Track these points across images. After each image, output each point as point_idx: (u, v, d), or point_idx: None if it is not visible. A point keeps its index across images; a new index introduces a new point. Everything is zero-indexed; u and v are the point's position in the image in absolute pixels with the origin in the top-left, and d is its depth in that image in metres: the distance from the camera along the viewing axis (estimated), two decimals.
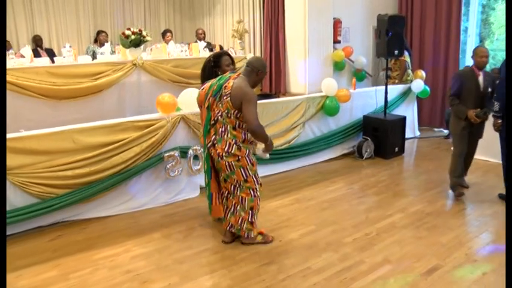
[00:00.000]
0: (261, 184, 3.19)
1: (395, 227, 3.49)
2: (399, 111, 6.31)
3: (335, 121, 5.59)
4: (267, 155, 3.19)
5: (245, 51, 7.00)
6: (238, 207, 3.15)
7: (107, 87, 5.00)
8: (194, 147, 4.13)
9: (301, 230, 3.46)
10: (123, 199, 3.87)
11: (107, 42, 6.28)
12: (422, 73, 6.57)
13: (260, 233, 3.28)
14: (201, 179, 4.33)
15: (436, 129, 7.18)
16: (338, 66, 6.84)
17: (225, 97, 2.98)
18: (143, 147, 3.84)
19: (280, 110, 4.95)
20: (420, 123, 7.08)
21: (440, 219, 3.64)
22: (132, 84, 5.24)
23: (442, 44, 6.88)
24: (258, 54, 7.47)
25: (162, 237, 3.39)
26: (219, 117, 3.03)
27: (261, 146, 3.15)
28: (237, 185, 3.11)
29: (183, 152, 4.10)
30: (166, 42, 6.69)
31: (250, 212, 3.14)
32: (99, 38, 6.81)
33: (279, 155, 4.87)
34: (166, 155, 3.98)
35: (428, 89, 6.54)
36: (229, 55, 3.56)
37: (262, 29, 7.25)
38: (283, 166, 5.00)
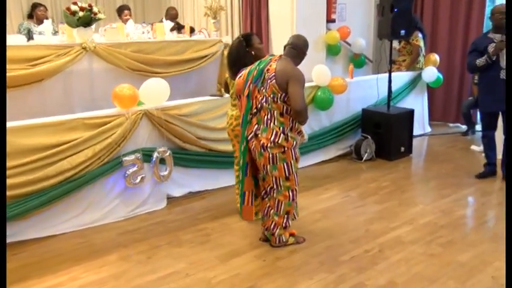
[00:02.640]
0: (298, 185, 3.41)
1: (402, 243, 3.54)
2: (406, 103, 6.41)
3: (328, 116, 5.64)
4: (306, 137, 3.56)
5: (220, 32, 6.99)
6: (271, 211, 3.40)
7: (48, 75, 4.90)
8: (160, 149, 4.13)
9: (288, 247, 3.48)
10: (71, 214, 3.83)
11: (47, 19, 6.15)
12: (435, 58, 6.66)
13: (291, 234, 3.54)
14: (168, 187, 4.34)
15: (451, 125, 7.33)
16: (332, 51, 6.90)
17: (269, 81, 3.20)
18: (97, 149, 3.81)
19: None
20: (431, 118, 7.21)
21: (458, 233, 3.69)
22: (81, 72, 5.17)
23: (460, 20, 6.91)
24: (235, 35, 7.47)
25: (119, 260, 3.36)
26: (264, 103, 3.23)
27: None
28: (275, 186, 3.33)
29: (147, 155, 4.09)
30: (124, 21, 6.63)
31: (285, 216, 3.40)
32: (36, 13, 6.64)
33: None
34: (125, 159, 3.96)
35: (441, 76, 6.65)
36: (256, 35, 3.88)
37: (241, 6, 7.26)
38: None
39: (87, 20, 5.02)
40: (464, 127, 6.93)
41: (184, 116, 4.33)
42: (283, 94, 3.17)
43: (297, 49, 3.32)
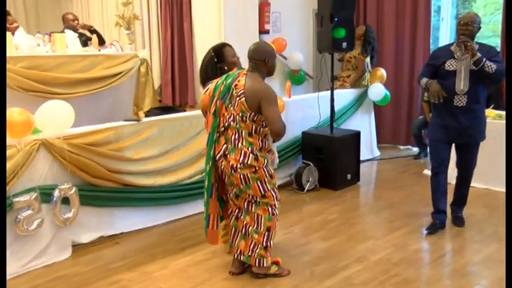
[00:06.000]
0: (279, 200, 3.64)
1: (352, 285, 3.60)
2: (351, 124, 6.61)
3: None
4: (277, 161, 3.79)
5: (135, 45, 6.95)
6: (250, 229, 3.55)
7: None
8: (63, 186, 3.98)
9: None
10: None
11: None
12: (382, 72, 6.87)
13: (275, 263, 3.71)
14: (73, 233, 4.19)
15: (401, 147, 7.64)
16: None
17: (237, 98, 3.38)
18: None
19: (187, 130, 4.96)
20: (380, 140, 7.48)
21: (413, 270, 3.80)
22: None
23: (406, 32, 7.32)
24: (155, 49, 7.46)
25: None
26: (231, 122, 3.42)
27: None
28: (252, 201, 3.54)
29: (46, 194, 3.93)
30: (11, 30, 6.32)
31: (266, 233, 3.55)
32: None
33: (184, 192, 4.85)
34: (16, 200, 3.78)
35: (389, 94, 6.89)
36: (230, 45, 3.99)
37: (159, 15, 7.26)
38: (191, 207, 4.99)
39: None
40: (416, 149, 7.23)
41: (93, 146, 4.21)
42: (253, 113, 3.36)
43: (256, 61, 3.47)
